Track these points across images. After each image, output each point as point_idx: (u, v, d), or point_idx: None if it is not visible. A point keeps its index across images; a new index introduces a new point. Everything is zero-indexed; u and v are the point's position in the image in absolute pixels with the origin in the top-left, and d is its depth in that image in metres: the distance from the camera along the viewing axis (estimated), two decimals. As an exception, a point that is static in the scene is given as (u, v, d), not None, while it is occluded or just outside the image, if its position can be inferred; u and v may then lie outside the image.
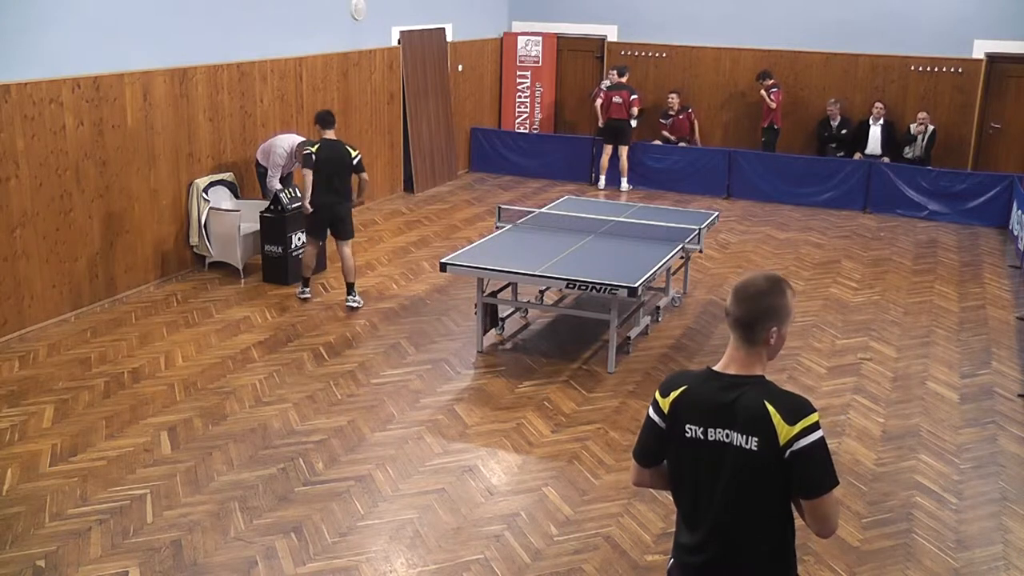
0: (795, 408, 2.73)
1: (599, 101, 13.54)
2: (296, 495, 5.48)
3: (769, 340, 2.81)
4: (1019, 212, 10.99)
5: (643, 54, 14.97)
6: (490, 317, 7.70)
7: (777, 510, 2.84)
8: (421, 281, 9.38)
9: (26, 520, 5.17)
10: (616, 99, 13.30)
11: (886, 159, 13.00)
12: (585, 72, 15.42)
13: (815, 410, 2.75)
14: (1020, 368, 7.55)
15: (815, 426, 2.71)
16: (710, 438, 2.81)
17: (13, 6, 7.45)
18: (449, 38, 13.79)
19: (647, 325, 8.09)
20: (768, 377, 2.84)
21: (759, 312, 2.79)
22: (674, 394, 2.90)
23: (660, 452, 2.97)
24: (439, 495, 5.51)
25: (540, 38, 15.24)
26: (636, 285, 6.86)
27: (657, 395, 2.96)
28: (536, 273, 7.20)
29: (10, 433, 6.14)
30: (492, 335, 7.83)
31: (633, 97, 13.29)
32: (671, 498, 3.06)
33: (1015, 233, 11.08)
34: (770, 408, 2.73)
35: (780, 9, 14.06)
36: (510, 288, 8.17)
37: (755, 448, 2.74)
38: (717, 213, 9.68)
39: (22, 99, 7.53)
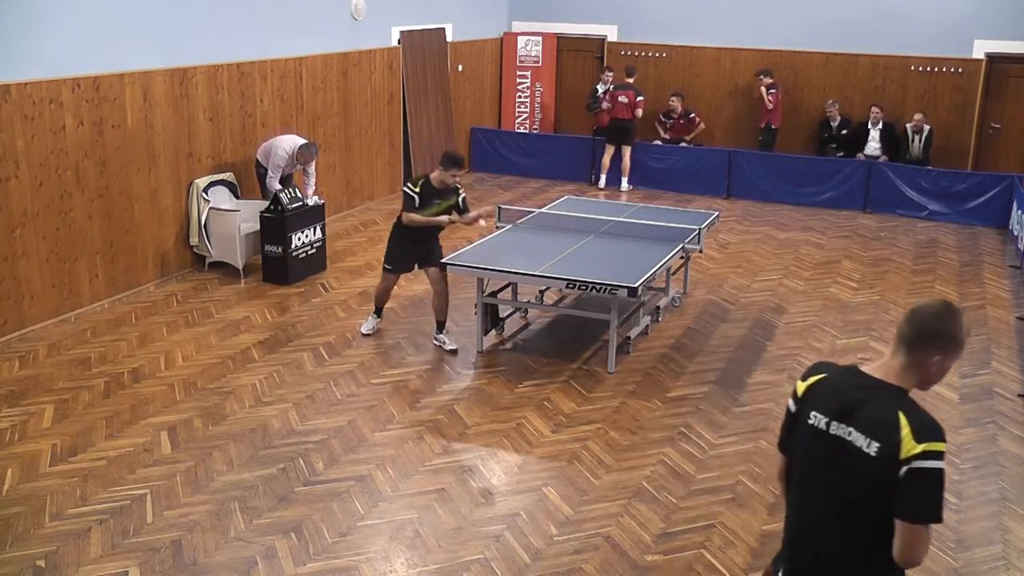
0: (928, 428, 2.66)
1: (606, 104, 13.54)
2: (296, 495, 5.48)
3: (930, 366, 2.74)
4: (1019, 212, 10.99)
5: (643, 54, 14.97)
6: (490, 317, 7.70)
7: (877, 520, 2.73)
8: (421, 281, 9.37)
9: (26, 520, 5.17)
10: (622, 99, 13.30)
11: (884, 158, 13.01)
12: (585, 72, 15.43)
13: (945, 440, 2.67)
14: (1020, 368, 7.55)
15: (939, 455, 2.64)
16: (832, 431, 2.77)
17: (13, 6, 7.45)
18: (449, 38, 13.78)
19: (647, 325, 8.09)
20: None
21: (929, 333, 2.73)
22: (812, 379, 2.89)
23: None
24: (439, 495, 5.51)
25: (540, 38, 15.24)
26: (636, 285, 6.86)
27: (798, 380, 2.95)
28: (536, 273, 7.20)
29: (10, 433, 6.14)
30: (492, 335, 7.84)
31: (639, 99, 13.29)
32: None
33: (1015, 233, 11.07)
34: (903, 419, 2.66)
35: (780, 9, 14.06)
36: (510, 288, 8.17)
37: (874, 453, 2.68)
38: (717, 213, 9.68)
39: (22, 99, 7.53)
